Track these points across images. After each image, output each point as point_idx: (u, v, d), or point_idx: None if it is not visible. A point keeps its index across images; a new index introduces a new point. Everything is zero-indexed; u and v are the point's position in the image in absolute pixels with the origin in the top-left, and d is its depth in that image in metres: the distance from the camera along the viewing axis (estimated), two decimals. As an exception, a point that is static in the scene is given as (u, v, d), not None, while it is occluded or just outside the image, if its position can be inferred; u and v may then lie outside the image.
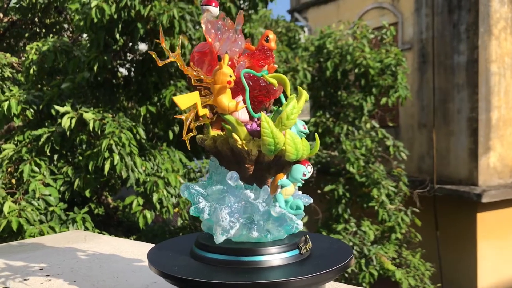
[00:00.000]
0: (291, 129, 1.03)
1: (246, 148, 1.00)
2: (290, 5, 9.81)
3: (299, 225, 1.02)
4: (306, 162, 1.01)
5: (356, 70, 5.28)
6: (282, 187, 0.99)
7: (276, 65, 1.10)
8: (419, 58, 7.16)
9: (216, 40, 1.05)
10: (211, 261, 1.00)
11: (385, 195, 4.93)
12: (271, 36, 1.05)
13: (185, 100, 0.98)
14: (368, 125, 5.47)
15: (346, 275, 4.66)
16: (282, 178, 1.00)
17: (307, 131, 1.05)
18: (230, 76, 0.97)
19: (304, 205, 1.05)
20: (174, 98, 0.98)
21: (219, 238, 1.01)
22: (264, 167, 1.02)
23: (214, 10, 1.07)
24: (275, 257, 0.99)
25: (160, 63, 1.03)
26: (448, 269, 6.53)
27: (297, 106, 0.99)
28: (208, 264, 1.00)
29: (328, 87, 5.75)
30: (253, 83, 1.04)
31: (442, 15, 6.75)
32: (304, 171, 0.99)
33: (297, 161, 1.01)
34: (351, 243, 4.71)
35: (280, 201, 0.99)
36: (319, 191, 5.44)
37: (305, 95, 1.04)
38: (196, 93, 1.01)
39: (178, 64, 1.01)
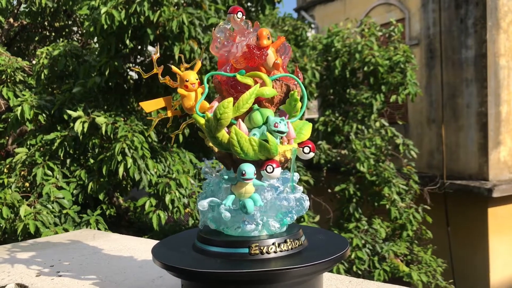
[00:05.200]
0: (259, 128, 1.01)
1: (209, 145, 1.08)
2: (297, 3, 9.83)
3: (257, 225, 1.04)
4: (269, 162, 0.98)
5: (365, 68, 5.28)
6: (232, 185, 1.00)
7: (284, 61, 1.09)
8: (427, 54, 7.13)
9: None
10: (212, 254, 1.04)
11: (396, 193, 4.93)
12: (264, 33, 1.02)
13: (151, 104, 1.11)
14: (377, 124, 5.47)
15: (360, 272, 4.65)
16: None
17: (281, 129, 0.99)
18: (187, 81, 1.05)
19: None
20: (141, 103, 1.11)
21: (200, 223, 1.12)
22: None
23: (236, 18, 1.10)
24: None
25: (145, 75, 1.15)
26: (460, 265, 6.49)
27: (230, 107, 0.97)
28: (208, 256, 1.03)
29: (337, 85, 5.75)
30: (226, 84, 1.06)
31: (449, 10, 6.72)
32: (243, 170, 0.96)
33: (263, 161, 1.00)
34: (363, 241, 4.70)
35: (227, 198, 1.01)
36: (329, 190, 5.45)
37: (257, 92, 1.01)
38: (167, 97, 1.12)
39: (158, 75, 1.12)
